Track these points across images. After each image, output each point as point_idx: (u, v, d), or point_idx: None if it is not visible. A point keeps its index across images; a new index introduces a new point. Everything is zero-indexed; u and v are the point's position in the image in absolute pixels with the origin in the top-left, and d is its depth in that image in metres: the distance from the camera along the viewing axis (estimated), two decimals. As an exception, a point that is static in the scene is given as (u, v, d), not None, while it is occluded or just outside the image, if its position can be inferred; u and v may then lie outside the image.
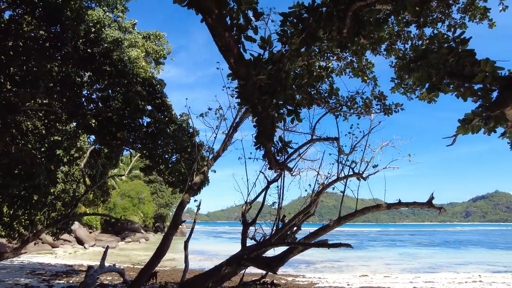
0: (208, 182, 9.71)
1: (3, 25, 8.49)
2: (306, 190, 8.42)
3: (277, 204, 7.87)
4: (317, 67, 6.93)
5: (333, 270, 21.39)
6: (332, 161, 8.35)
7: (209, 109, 7.89)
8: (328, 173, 8.27)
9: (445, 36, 4.81)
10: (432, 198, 7.22)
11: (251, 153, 10.31)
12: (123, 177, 40.28)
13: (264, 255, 7.68)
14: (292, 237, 8.05)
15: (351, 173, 8.01)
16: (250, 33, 3.67)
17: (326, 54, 7.11)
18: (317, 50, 6.71)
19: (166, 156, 9.80)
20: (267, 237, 7.74)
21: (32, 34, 8.78)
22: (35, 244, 25.04)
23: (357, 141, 8.05)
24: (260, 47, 3.96)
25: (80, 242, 31.64)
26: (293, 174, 7.53)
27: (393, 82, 7.06)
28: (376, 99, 7.46)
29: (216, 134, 8.17)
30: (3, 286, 10.72)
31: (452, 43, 4.21)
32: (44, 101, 9.83)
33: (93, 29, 9.14)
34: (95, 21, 9.49)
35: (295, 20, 4.04)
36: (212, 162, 7.95)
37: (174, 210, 58.16)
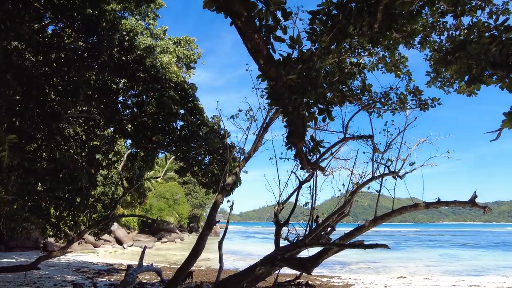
0: (240, 183, 9.81)
1: (47, 39, 9.07)
2: (339, 190, 8.25)
3: (310, 204, 7.78)
4: (348, 64, 6.78)
5: (369, 271, 20.82)
6: (367, 159, 8.11)
7: (240, 110, 7.96)
8: (363, 172, 8.05)
9: (486, 24, 4.53)
10: (475, 196, 6.83)
11: (282, 153, 10.27)
12: (159, 179, 41.55)
13: (298, 255, 7.62)
14: (327, 238, 7.92)
15: (386, 171, 7.75)
16: (279, 33, 3.66)
17: (357, 50, 6.93)
18: (348, 46, 6.56)
19: (199, 158, 10.01)
20: (300, 238, 7.67)
21: (72, 46, 9.30)
22: (79, 243, 26.52)
23: (392, 139, 7.76)
24: (289, 47, 3.93)
25: (119, 242, 33.03)
26: (326, 173, 7.41)
27: (428, 76, 6.75)
28: (411, 94, 7.17)
29: (247, 135, 8.24)
30: (53, 282, 11.44)
31: (494, 31, 3.96)
32: (84, 108, 10.38)
33: (126, 38, 9.54)
34: (128, 29, 9.90)
35: (324, 18, 3.97)
36: (243, 163, 8.01)
37: (207, 211, 59.42)
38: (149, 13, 11.89)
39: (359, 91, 7.06)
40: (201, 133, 9.65)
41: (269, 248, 7.85)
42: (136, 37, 9.54)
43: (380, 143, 7.84)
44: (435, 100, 7.00)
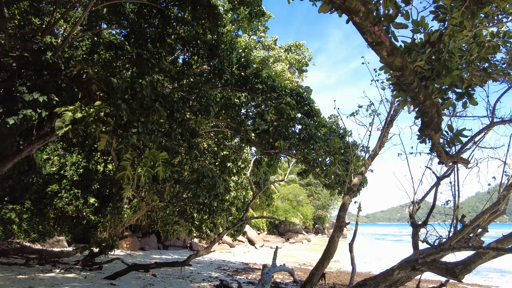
0: (366, 183, 9.39)
1: (179, 68, 10.61)
2: (489, 185, 7.01)
3: (452, 202, 6.86)
4: (485, 35, 5.76)
5: (542, 282, 16.93)
6: (524, 145, 6.68)
7: (360, 106, 7.63)
8: (520, 161, 6.69)
9: None
10: None
11: (412, 147, 9.40)
12: (282, 182, 43.26)
13: (442, 260, 6.80)
14: (477, 240, 6.84)
15: (556, 158, 6.25)
16: (399, 19, 3.41)
17: (496, 17, 5.84)
18: (483, 15, 5.59)
19: (320, 159, 10.04)
20: (443, 240, 6.83)
21: (199, 70, 10.63)
22: (218, 244, 29.67)
23: (560, 117, 6.22)
24: (413, 31, 3.62)
25: (251, 242, 35.51)
26: (469, 166, 6.42)
27: None
28: None
29: (370, 132, 7.81)
30: (201, 277, 13.10)
31: None
32: (213, 123, 11.69)
33: (243, 54, 10.37)
34: (243, 47, 10.72)
35: (452, -9, 3.52)
36: (369, 161, 7.63)
37: (331, 212, 58.58)
38: (259, 27, 12.61)
39: (505, 65, 5.92)
40: (319, 134, 9.67)
41: (402, 250, 7.27)
42: (251, 52, 10.26)
43: (542, 124, 6.37)
44: None
